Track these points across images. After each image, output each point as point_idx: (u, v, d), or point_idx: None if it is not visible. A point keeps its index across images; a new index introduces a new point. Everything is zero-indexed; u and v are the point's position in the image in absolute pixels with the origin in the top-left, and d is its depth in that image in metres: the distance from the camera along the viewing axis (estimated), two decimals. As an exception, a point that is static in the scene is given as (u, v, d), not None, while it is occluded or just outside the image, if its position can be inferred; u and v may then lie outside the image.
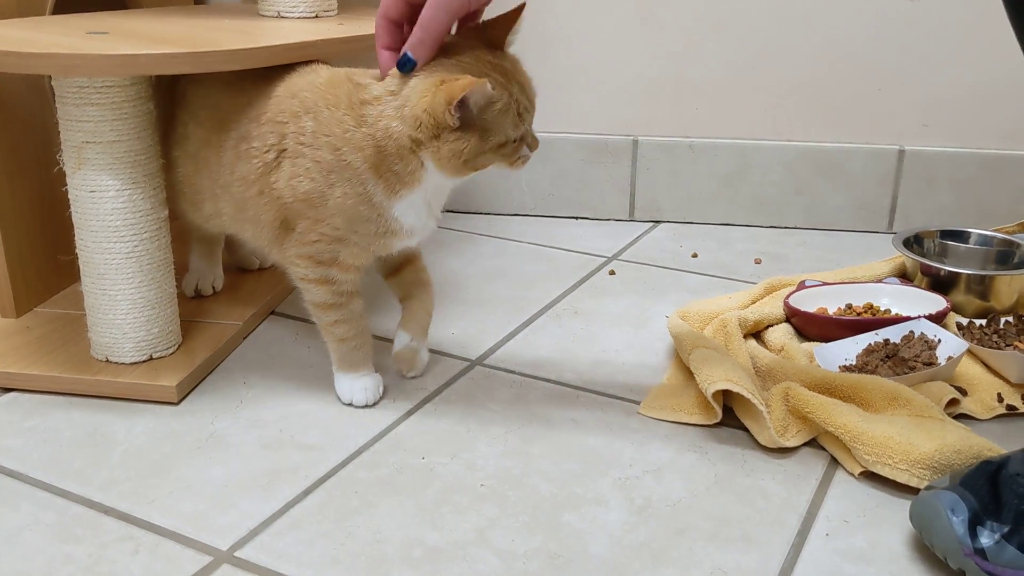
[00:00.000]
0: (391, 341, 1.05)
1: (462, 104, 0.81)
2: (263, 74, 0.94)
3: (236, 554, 0.77)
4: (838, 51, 1.45)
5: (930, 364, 1.01)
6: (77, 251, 0.99)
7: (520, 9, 0.87)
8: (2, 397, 1.00)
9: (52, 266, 1.17)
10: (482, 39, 0.87)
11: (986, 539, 0.71)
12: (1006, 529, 0.71)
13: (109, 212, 0.96)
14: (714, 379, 0.92)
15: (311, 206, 0.91)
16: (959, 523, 0.72)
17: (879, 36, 1.43)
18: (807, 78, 1.47)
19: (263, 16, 1.14)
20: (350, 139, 0.87)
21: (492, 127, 0.84)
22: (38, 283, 1.16)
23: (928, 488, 0.77)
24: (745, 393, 0.90)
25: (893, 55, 1.44)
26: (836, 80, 1.47)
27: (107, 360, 1.02)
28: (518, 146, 0.88)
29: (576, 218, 1.58)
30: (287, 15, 1.12)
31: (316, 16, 1.13)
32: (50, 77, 0.94)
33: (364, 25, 1.08)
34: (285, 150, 0.91)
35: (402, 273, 1.04)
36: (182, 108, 1.00)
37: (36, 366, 1.01)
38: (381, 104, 0.86)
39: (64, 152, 0.95)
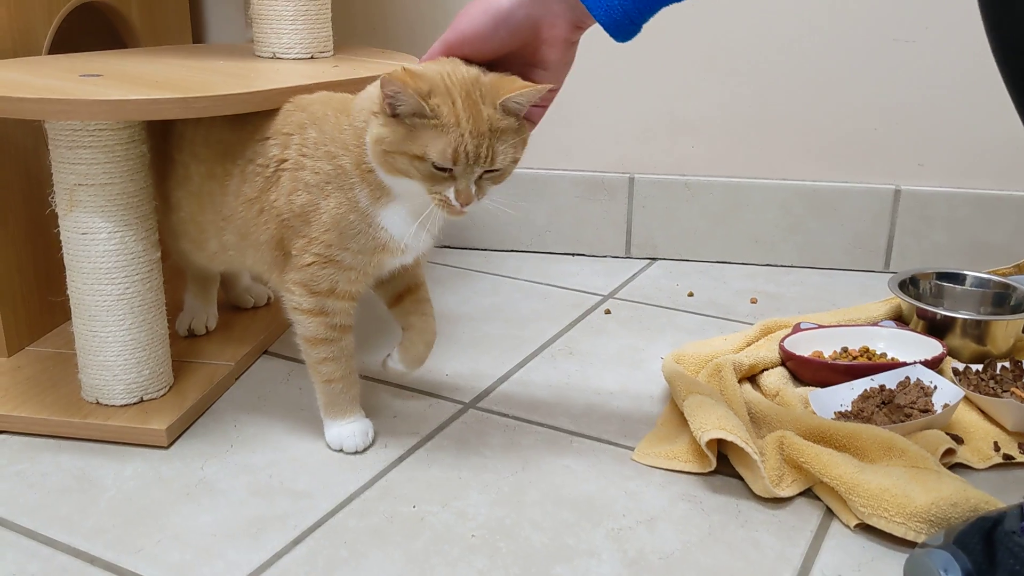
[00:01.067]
0: (381, 382, 1.04)
1: (391, 95, 0.81)
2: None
3: (222, 607, 0.76)
4: (833, 90, 1.46)
5: (926, 411, 1.00)
6: (68, 292, 0.99)
7: (551, 91, 0.87)
8: (-10, 439, 0.99)
9: (44, 305, 1.16)
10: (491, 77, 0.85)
11: (981, 599, 0.71)
12: (1001, 589, 0.71)
13: (101, 254, 0.96)
14: (707, 427, 0.91)
15: (305, 221, 0.91)
16: (954, 583, 0.72)
17: (874, 76, 1.44)
18: (802, 117, 1.48)
19: (258, 57, 1.14)
20: (345, 141, 0.88)
21: (417, 136, 0.82)
22: (29, 322, 1.15)
23: (923, 545, 0.77)
24: (739, 442, 0.89)
25: (888, 95, 1.44)
26: (831, 119, 1.47)
27: (97, 402, 1.01)
28: (441, 180, 0.84)
29: (572, 255, 1.58)
30: (283, 56, 1.13)
31: (311, 57, 1.14)
32: (43, 120, 0.93)
33: (359, 67, 1.09)
34: (286, 161, 0.92)
35: (403, 302, 1.03)
36: (180, 150, 1.00)
37: (25, 407, 1.00)
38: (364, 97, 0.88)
39: (56, 194, 0.95)
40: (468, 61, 0.85)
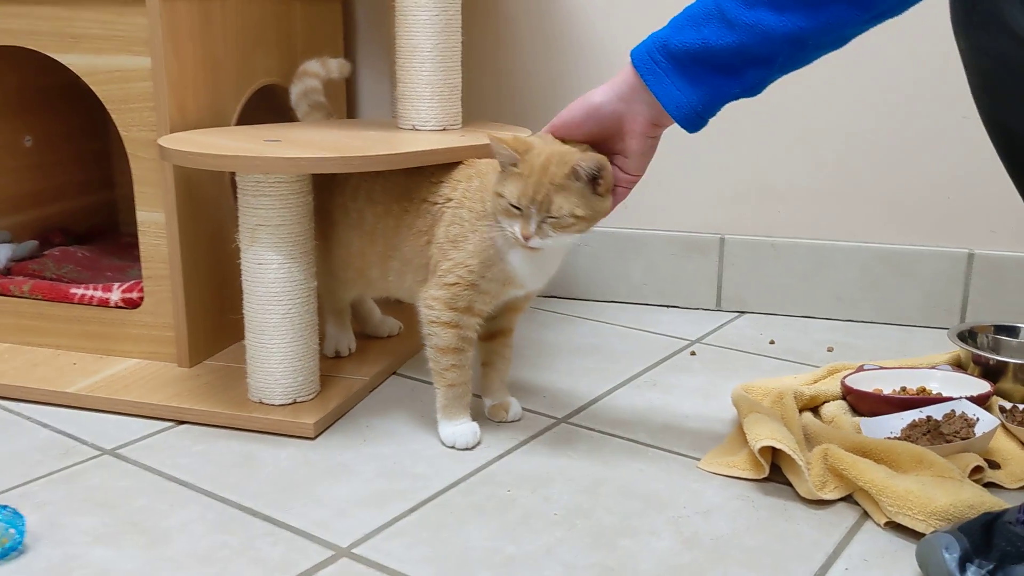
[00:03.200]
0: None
1: (495, 148, 1.06)
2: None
3: (352, 551, 0.96)
4: (909, 161, 1.60)
5: (967, 440, 1.12)
6: (244, 311, 1.23)
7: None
8: (177, 427, 1.24)
9: (219, 328, 1.42)
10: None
11: (972, 574, 0.84)
12: (991, 566, 0.84)
13: (272, 281, 1.20)
14: (760, 437, 1.07)
15: (455, 247, 1.15)
16: (951, 559, 0.85)
17: (947, 149, 1.58)
18: (880, 185, 1.63)
19: (400, 128, 1.39)
20: (491, 192, 1.11)
21: (507, 180, 1.06)
22: (208, 340, 1.41)
23: (933, 532, 0.90)
24: (786, 449, 1.05)
25: (960, 166, 1.58)
26: (908, 188, 1.61)
27: (260, 402, 1.25)
28: (512, 215, 1.05)
29: (667, 306, 1.76)
30: (420, 128, 1.37)
31: (444, 129, 1.38)
32: (233, 173, 1.20)
33: (480, 136, 1.32)
34: (451, 200, 1.17)
35: (494, 341, 1.26)
36: (356, 199, 1.25)
37: (204, 403, 1.25)
38: None
39: (240, 232, 1.21)
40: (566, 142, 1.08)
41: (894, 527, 0.99)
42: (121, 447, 1.18)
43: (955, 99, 1.56)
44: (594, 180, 1.05)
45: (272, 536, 0.99)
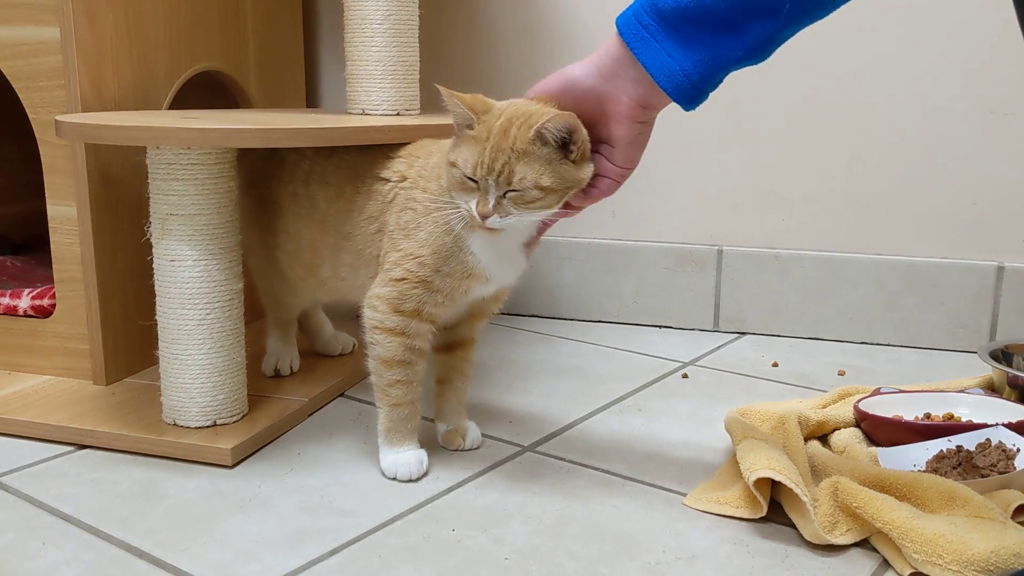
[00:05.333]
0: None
1: (447, 104, 0.91)
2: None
3: (250, 602, 0.78)
4: (929, 164, 1.43)
5: (1004, 472, 0.94)
6: (156, 316, 1.06)
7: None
8: (77, 452, 1.06)
9: (145, 338, 1.24)
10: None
11: (1027, 640, 0.65)
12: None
13: (186, 280, 1.03)
14: (756, 467, 0.89)
15: (406, 236, 0.97)
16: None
17: (972, 148, 1.41)
18: (897, 190, 1.45)
19: (349, 114, 1.22)
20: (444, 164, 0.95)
21: (460, 145, 0.91)
22: (129, 354, 1.23)
23: (973, 586, 0.71)
24: (787, 483, 0.86)
25: (987, 168, 1.40)
26: (928, 193, 1.44)
27: (174, 423, 1.07)
28: (468, 189, 0.90)
29: (659, 327, 1.58)
30: (371, 112, 1.21)
31: (398, 114, 1.21)
32: (144, 156, 1.03)
33: (438, 121, 1.15)
34: (406, 180, 1.00)
35: (452, 354, 1.07)
36: (308, 184, 1.08)
37: (109, 425, 1.07)
38: None
39: (151, 223, 1.04)
40: None
41: (921, 579, 0.81)
42: (4, 475, 1.00)
43: (981, 91, 1.39)
44: (565, 145, 0.88)
45: (155, 583, 0.81)
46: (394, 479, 1.00)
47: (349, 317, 1.53)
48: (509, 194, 0.88)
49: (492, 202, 0.88)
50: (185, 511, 0.93)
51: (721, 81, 0.85)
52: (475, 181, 0.88)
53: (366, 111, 1.20)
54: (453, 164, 0.90)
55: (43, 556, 0.84)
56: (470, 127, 0.89)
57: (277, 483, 0.99)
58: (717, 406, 1.22)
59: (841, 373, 1.36)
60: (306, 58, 1.63)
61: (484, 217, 0.88)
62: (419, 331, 0.99)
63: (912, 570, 0.81)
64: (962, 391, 1.14)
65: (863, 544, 0.87)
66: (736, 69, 0.84)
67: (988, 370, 1.20)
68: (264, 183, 1.12)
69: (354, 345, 1.35)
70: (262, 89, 1.45)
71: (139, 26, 1.20)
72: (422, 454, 1.01)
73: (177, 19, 1.26)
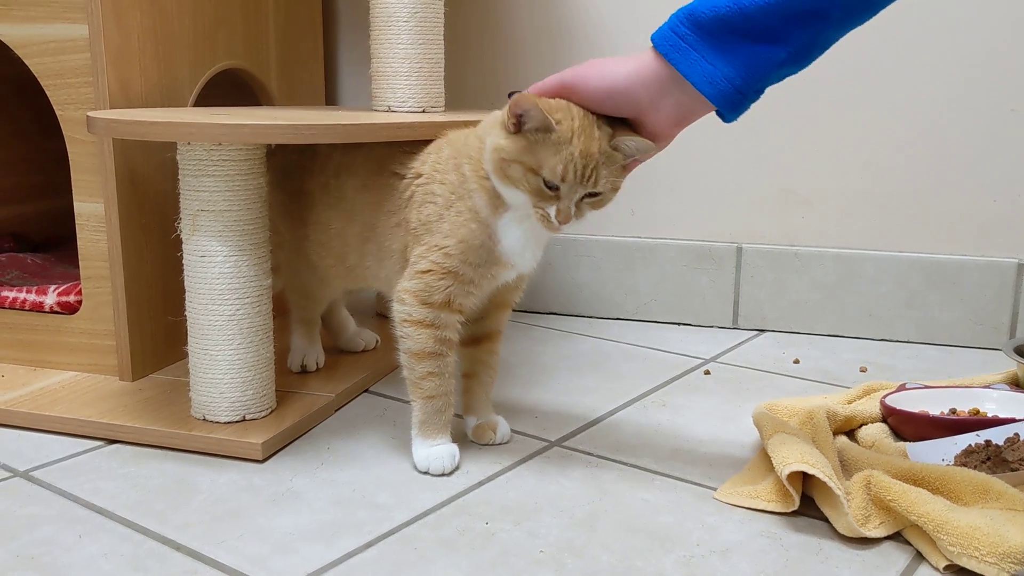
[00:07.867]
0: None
1: (520, 112, 0.88)
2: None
3: (289, 594, 0.78)
4: (950, 161, 1.43)
5: (1035, 466, 0.94)
6: (186, 312, 1.06)
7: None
8: (107, 447, 1.06)
9: (172, 334, 1.25)
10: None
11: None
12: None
13: (216, 276, 1.03)
14: (789, 460, 0.89)
15: (428, 230, 0.97)
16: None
17: (993, 144, 1.41)
18: (917, 188, 1.45)
19: (375, 111, 1.23)
20: (468, 151, 0.96)
21: (535, 149, 0.88)
22: (156, 350, 1.24)
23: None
24: (821, 476, 0.86)
25: (1009, 164, 1.41)
26: (948, 189, 1.44)
27: (204, 419, 1.07)
28: (546, 198, 0.89)
29: (678, 324, 1.58)
30: (396, 109, 1.21)
31: (423, 111, 1.21)
32: (175, 153, 1.03)
33: (463, 117, 1.15)
34: (421, 176, 0.99)
35: (479, 347, 1.08)
36: (338, 176, 1.08)
37: (139, 420, 1.08)
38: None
39: (182, 219, 1.04)
40: None
41: (956, 571, 0.81)
42: (36, 468, 1.01)
43: (1002, 88, 1.39)
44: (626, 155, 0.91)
45: (194, 575, 0.81)
46: (426, 473, 1.00)
47: (370, 314, 1.55)
48: (588, 198, 0.90)
49: (574, 209, 0.89)
50: (219, 505, 0.93)
51: (763, 90, 0.86)
52: (555, 189, 0.89)
53: (392, 108, 1.21)
54: (533, 171, 0.89)
55: (81, 549, 0.85)
56: (548, 130, 0.88)
57: (309, 477, 0.99)
58: (741, 402, 1.22)
59: (863, 370, 1.36)
60: (324, 56, 1.63)
61: (565, 222, 0.89)
62: (448, 322, 0.99)
63: (948, 562, 0.81)
64: (987, 387, 1.14)
65: (896, 537, 0.87)
66: (777, 78, 0.85)
67: (1013, 366, 1.20)
68: (297, 176, 1.13)
69: (377, 341, 1.36)
70: (283, 87, 1.46)
71: (164, 24, 1.20)
72: (454, 448, 1.02)
73: (201, 17, 1.27)
